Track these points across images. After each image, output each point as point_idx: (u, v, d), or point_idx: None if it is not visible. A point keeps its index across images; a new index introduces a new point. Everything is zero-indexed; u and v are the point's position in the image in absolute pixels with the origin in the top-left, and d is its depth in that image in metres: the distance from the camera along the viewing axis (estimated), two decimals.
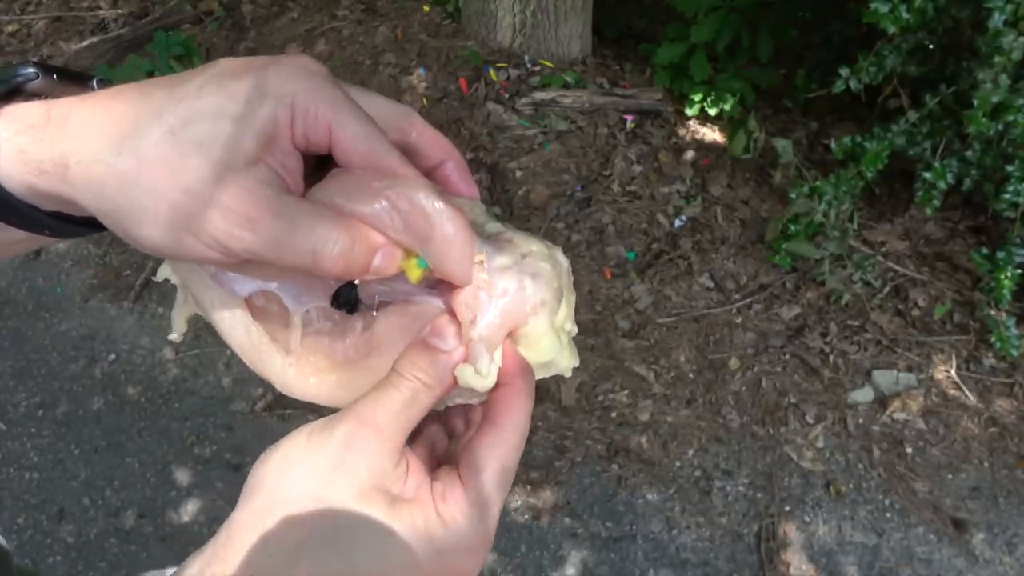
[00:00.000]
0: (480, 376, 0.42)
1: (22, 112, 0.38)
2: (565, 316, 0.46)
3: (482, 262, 0.42)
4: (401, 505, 0.40)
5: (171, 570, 0.43)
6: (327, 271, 0.38)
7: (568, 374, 0.48)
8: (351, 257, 0.38)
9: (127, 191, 0.36)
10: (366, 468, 0.39)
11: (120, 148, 0.36)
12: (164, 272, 0.47)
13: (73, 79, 0.46)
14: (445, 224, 0.39)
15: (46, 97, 0.44)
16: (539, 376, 0.46)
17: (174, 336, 0.49)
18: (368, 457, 0.39)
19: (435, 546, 0.39)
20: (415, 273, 0.41)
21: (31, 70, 0.44)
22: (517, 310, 0.43)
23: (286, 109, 0.37)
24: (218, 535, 0.39)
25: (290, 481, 0.39)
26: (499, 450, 0.42)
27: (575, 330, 0.48)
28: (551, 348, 0.44)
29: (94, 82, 0.46)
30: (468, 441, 0.43)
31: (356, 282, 0.43)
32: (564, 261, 0.46)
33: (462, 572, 0.41)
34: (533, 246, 0.44)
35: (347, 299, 0.43)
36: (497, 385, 0.43)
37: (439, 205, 0.39)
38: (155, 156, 0.35)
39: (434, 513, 0.40)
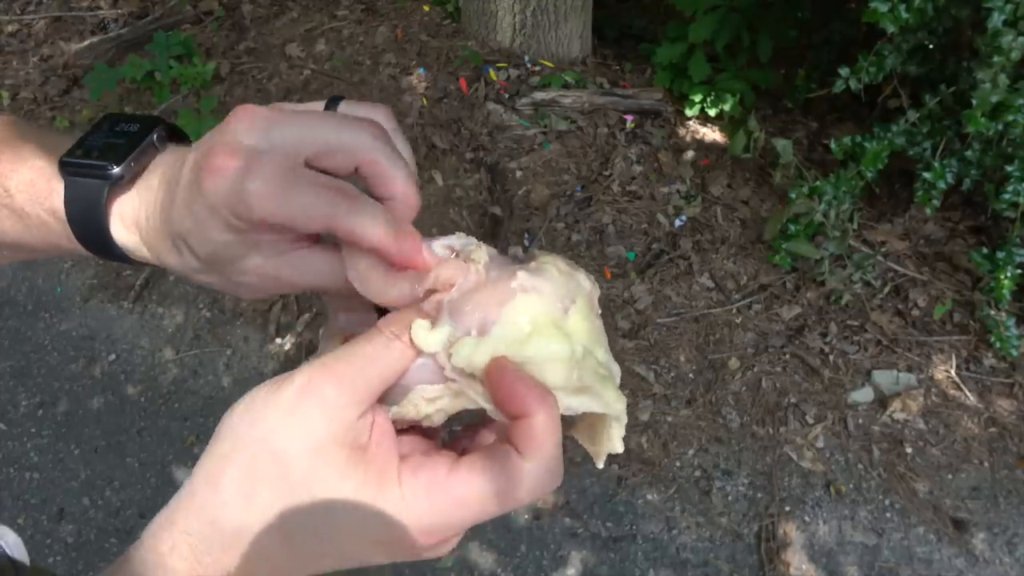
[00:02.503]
0: (430, 335, 0.41)
1: None
2: (587, 335, 0.43)
3: (480, 262, 0.43)
4: (359, 460, 0.39)
5: None
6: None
7: (620, 417, 0.43)
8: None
9: None
10: (321, 416, 0.38)
11: None
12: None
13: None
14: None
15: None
16: (582, 408, 0.42)
17: None
18: (325, 404, 0.38)
19: (384, 516, 0.38)
20: None
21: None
22: (498, 286, 0.42)
23: None
24: (183, 485, 0.40)
25: (247, 427, 0.39)
26: (512, 473, 0.39)
27: (617, 369, 0.45)
28: (554, 343, 0.41)
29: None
30: (490, 444, 0.42)
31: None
32: (587, 284, 0.45)
33: (412, 547, 0.39)
34: (555, 261, 0.44)
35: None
36: (516, 416, 0.40)
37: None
38: None
39: (394, 479, 0.39)
